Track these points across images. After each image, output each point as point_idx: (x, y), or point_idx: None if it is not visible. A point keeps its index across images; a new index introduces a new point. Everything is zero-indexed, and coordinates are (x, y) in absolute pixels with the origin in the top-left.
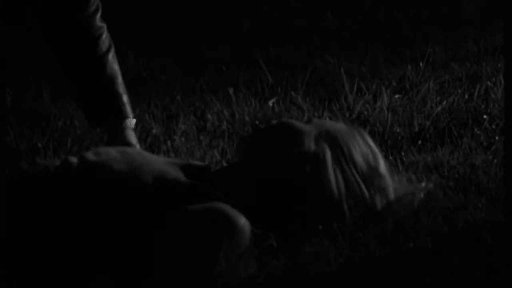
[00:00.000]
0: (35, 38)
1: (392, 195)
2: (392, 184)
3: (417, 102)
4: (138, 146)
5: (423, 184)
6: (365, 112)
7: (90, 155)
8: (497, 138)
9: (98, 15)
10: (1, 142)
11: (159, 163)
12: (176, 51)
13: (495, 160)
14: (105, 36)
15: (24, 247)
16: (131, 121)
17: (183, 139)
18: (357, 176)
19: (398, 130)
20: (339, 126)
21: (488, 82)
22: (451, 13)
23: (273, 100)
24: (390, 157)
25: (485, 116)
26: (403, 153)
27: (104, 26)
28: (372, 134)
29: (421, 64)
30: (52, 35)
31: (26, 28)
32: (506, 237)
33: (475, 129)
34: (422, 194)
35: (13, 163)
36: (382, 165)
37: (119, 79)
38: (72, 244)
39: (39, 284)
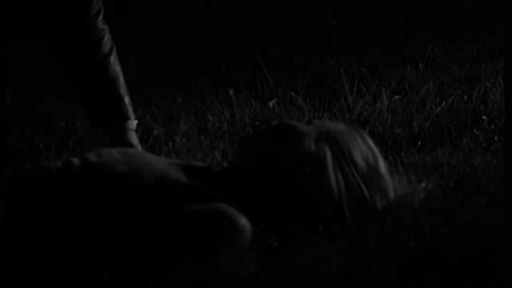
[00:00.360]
0: (36, 39)
1: (392, 195)
2: (392, 184)
3: (417, 103)
4: (139, 147)
5: (423, 185)
6: (365, 113)
7: (92, 156)
8: (496, 138)
9: (100, 18)
10: (3, 144)
11: (160, 164)
12: (176, 52)
13: (494, 161)
14: (107, 38)
15: (26, 248)
16: (133, 122)
17: (184, 140)
18: (357, 176)
19: (397, 131)
20: (339, 127)
21: (487, 83)
22: (450, 14)
23: (274, 101)
24: (390, 158)
25: (484, 117)
26: (402, 154)
27: (106, 28)
28: (372, 134)
29: (420, 65)
30: (54, 38)
31: (27, 28)
32: (505, 237)
33: (474, 130)
34: (421, 194)
35: (15, 164)
36: (382, 166)
37: (121, 80)
38: (74, 244)
39: (41, 284)
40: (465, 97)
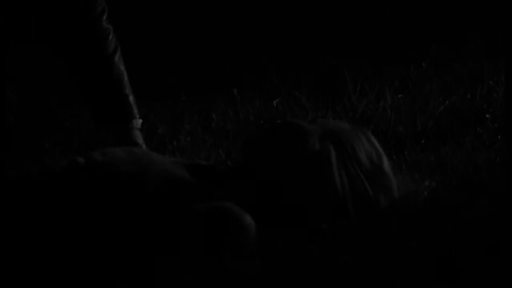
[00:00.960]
0: (39, 37)
1: (396, 194)
2: (396, 183)
3: (420, 101)
4: (144, 146)
5: (426, 183)
6: (368, 112)
7: (96, 155)
8: (499, 137)
9: (104, 17)
10: (7, 143)
11: (165, 163)
12: (180, 52)
13: (498, 159)
14: (111, 37)
15: (29, 248)
16: (137, 122)
17: (188, 139)
18: (361, 175)
19: (401, 130)
20: (343, 125)
21: (490, 82)
22: (452, 13)
23: (277, 100)
24: (394, 156)
25: (487, 115)
26: (406, 152)
27: (110, 27)
28: (376, 133)
29: (423, 64)
30: (58, 37)
31: (30, 27)
32: (509, 236)
33: (478, 128)
34: (425, 193)
35: (19, 164)
36: (386, 164)
37: (125, 80)
38: (78, 244)
39: (43, 285)
40: (468, 96)
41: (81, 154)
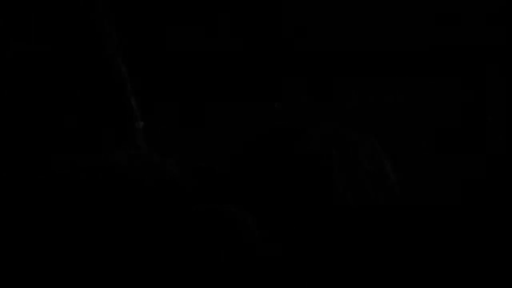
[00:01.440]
0: (39, 38)
1: (396, 194)
2: (396, 183)
3: (419, 103)
4: (145, 147)
5: (426, 183)
6: (368, 114)
7: (97, 156)
8: (499, 137)
9: (106, 19)
10: (8, 143)
11: (165, 164)
12: (180, 52)
13: (497, 159)
14: (113, 39)
15: (29, 248)
16: (139, 124)
17: (189, 140)
18: (362, 176)
19: (400, 131)
20: (345, 128)
21: (490, 82)
22: (451, 13)
23: (279, 103)
24: (394, 158)
25: (487, 115)
26: (406, 153)
27: (112, 29)
28: (375, 135)
29: (421, 64)
30: (58, 37)
31: (30, 27)
32: (509, 235)
33: (477, 129)
34: (425, 193)
35: (20, 164)
36: (387, 166)
37: (128, 82)
38: (78, 244)
39: (44, 285)
40: (468, 96)
41: (82, 154)
